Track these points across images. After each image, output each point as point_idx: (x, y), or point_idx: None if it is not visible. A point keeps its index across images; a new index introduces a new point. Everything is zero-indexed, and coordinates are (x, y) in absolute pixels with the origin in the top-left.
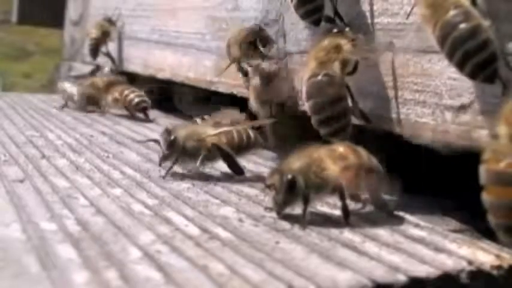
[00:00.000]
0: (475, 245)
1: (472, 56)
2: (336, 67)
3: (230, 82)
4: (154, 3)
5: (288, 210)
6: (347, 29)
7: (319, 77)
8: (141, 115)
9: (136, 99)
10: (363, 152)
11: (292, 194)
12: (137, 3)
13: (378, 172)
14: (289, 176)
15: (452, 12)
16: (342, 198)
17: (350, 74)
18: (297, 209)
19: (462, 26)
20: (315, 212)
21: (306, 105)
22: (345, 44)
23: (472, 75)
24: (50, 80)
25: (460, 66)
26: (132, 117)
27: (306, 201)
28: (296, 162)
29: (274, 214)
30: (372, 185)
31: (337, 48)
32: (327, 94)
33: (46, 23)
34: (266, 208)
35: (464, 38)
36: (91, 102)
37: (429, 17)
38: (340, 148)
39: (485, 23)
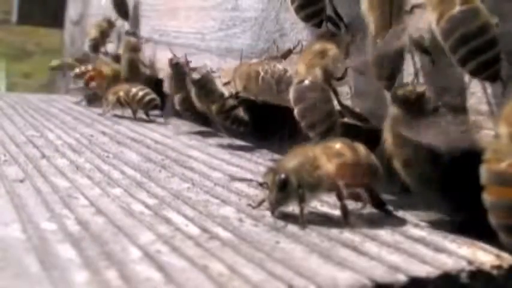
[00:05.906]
0: (475, 245)
1: (478, 54)
2: (318, 72)
3: None
4: (154, 3)
5: (288, 210)
6: (342, 32)
7: (303, 84)
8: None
9: (147, 97)
10: (361, 149)
11: (284, 193)
12: (137, 3)
13: (376, 170)
14: (282, 176)
15: (462, 7)
16: (340, 197)
17: (340, 79)
18: (297, 209)
19: (471, 22)
20: (315, 212)
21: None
22: (331, 49)
23: (475, 73)
24: (50, 80)
25: (463, 62)
26: (133, 116)
27: (301, 201)
28: (290, 161)
29: (270, 213)
30: (370, 183)
31: (322, 54)
32: (309, 100)
33: (46, 23)
34: (249, 204)
35: (472, 35)
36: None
37: (435, 6)
38: (337, 145)
39: (493, 20)
